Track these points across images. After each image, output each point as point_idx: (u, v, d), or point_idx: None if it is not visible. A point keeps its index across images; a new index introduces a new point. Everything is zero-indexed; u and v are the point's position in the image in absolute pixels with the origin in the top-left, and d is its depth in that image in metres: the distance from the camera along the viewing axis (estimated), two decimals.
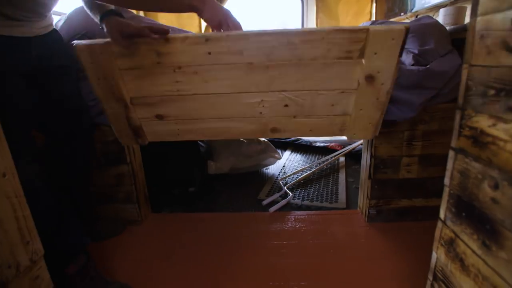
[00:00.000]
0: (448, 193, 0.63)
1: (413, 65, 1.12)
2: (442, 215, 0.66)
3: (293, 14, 3.21)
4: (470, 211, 0.56)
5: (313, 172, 1.97)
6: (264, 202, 1.60)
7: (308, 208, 1.56)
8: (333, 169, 2.05)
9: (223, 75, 1.06)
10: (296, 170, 2.02)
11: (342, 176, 1.91)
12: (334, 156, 2.18)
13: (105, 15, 0.94)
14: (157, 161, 1.69)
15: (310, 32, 1.00)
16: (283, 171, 2.07)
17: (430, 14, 1.97)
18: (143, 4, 0.96)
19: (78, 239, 1.00)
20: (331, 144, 2.41)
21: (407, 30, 0.93)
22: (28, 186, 0.69)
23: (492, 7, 0.50)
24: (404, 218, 1.37)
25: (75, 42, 1.01)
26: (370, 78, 1.02)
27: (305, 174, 1.92)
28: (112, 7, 0.99)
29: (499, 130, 0.49)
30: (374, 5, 2.85)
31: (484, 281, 0.53)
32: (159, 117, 1.17)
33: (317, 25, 2.93)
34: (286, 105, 1.12)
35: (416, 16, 2.11)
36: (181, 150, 1.80)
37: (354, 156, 2.20)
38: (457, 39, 1.26)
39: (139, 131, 1.21)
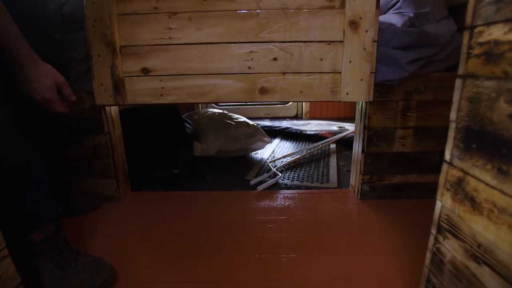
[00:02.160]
0: (455, 129, 0.57)
1: (408, 27, 1.07)
2: (447, 156, 0.59)
3: None
4: (482, 140, 0.50)
5: (303, 156, 1.90)
6: (252, 182, 1.52)
7: (298, 188, 1.49)
8: (324, 154, 1.98)
9: (215, 23, 1.08)
10: (286, 152, 1.95)
11: (333, 160, 1.85)
12: (326, 142, 2.12)
13: None
14: (140, 140, 1.59)
15: None
16: (272, 155, 2.00)
17: None
18: None
19: (46, 204, 0.89)
20: (322, 132, 2.36)
21: None
22: None
23: None
24: (398, 195, 1.31)
25: None
26: (353, 25, 1.06)
27: (295, 158, 1.85)
28: None
29: None
30: None
31: (501, 214, 0.46)
32: (145, 70, 1.13)
33: None
34: (274, 59, 1.11)
35: None
36: (166, 130, 1.71)
37: (345, 143, 2.15)
38: (453, 7, 1.23)
39: (120, 87, 1.15)
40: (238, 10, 1.07)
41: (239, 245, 1.02)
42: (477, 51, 0.51)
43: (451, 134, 0.58)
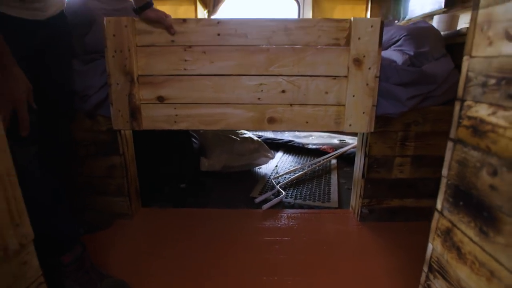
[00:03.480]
0: (445, 184, 0.64)
1: (408, 65, 1.15)
2: (439, 205, 0.67)
3: (290, 16, 3.26)
4: (467, 200, 0.57)
5: (305, 173, 1.97)
6: (257, 200, 1.59)
7: (300, 207, 1.56)
8: (325, 170, 2.06)
9: (228, 56, 1.16)
10: (289, 170, 2.02)
11: (334, 177, 1.93)
12: (327, 158, 2.20)
13: (151, 2, 1.11)
14: (149, 155, 1.67)
15: (304, 20, 1.20)
16: (275, 170, 2.07)
17: None
18: None
19: (74, 227, 0.97)
20: (324, 147, 2.43)
21: (382, 22, 1.09)
22: (23, 170, 0.67)
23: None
24: (395, 218, 1.38)
25: (106, 18, 1.13)
26: (357, 62, 1.14)
27: (297, 174, 1.93)
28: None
29: (498, 118, 0.50)
30: (369, 12, 2.92)
31: (481, 267, 0.54)
32: (160, 98, 1.21)
33: None
34: (283, 91, 1.19)
35: None
36: (174, 145, 1.78)
37: (346, 159, 2.23)
38: (450, 45, 1.30)
39: (137, 114, 1.22)
40: (249, 45, 1.15)
41: (247, 266, 1.09)
42: (466, 122, 0.58)
43: (442, 187, 0.66)
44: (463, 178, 0.59)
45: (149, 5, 1.10)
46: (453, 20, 1.47)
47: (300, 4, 3.05)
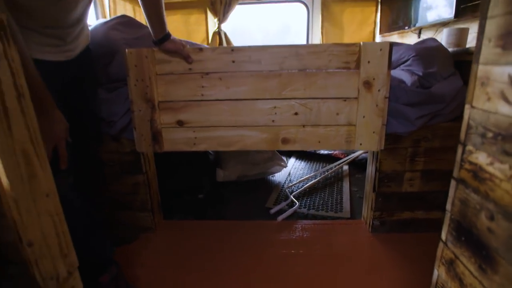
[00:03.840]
0: (449, 218, 0.70)
1: (417, 87, 1.19)
2: (443, 236, 0.72)
3: (298, 19, 3.28)
4: (469, 237, 0.63)
5: (317, 181, 2.03)
6: (272, 211, 1.67)
7: (314, 217, 1.63)
8: (337, 177, 2.11)
9: (243, 82, 1.22)
10: (302, 178, 2.08)
11: (346, 185, 1.98)
12: (338, 164, 2.25)
13: (169, 34, 1.18)
14: (168, 168, 1.76)
15: (314, 45, 1.23)
16: (288, 178, 2.14)
17: (433, 30, 2.03)
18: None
19: (109, 249, 1.07)
20: (335, 152, 2.48)
21: (391, 45, 1.13)
22: (63, 200, 0.75)
23: (492, 59, 0.56)
24: (406, 229, 1.43)
25: (127, 50, 1.21)
26: (367, 84, 1.18)
27: (310, 183, 1.99)
28: (168, 30, 1.17)
29: (495, 169, 0.55)
30: (378, 14, 2.91)
31: None
32: (180, 123, 1.28)
33: (322, 33, 2.98)
34: (295, 113, 1.25)
35: (419, 31, 2.17)
36: (191, 158, 1.87)
37: (357, 165, 2.27)
38: (459, 62, 1.33)
39: (158, 137, 1.30)
40: (263, 70, 1.21)
41: (265, 280, 1.17)
42: (467, 166, 0.64)
43: (446, 220, 0.71)
44: (464, 216, 0.64)
45: (168, 37, 1.17)
46: (463, 34, 1.49)
47: (309, 8, 3.07)
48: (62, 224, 0.76)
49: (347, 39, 3.01)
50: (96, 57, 1.24)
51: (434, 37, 2.02)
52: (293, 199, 1.77)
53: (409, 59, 1.26)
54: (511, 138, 0.52)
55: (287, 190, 1.91)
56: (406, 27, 2.18)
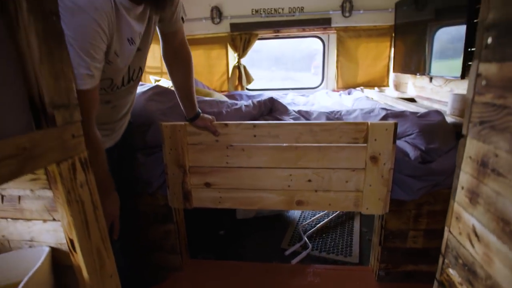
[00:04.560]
0: None
1: (420, 162, 1.32)
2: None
3: (317, 48, 3.41)
4: None
5: (330, 219, 2.18)
6: (287, 252, 1.83)
7: (325, 260, 1.78)
8: (349, 215, 2.25)
9: (263, 153, 1.39)
10: (315, 216, 2.24)
11: (356, 225, 2.12)
12: None
13: (199, 113, 1.37)
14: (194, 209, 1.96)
15: (327, 123, 1.36)
16: (302, 215, 2.29)
17: (442, 84, 2.13)
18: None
19: None
20: None
21: (396, 125, 1.26)
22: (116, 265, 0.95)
23: (462, 205, 0.71)
24: (411, 280, 1.56)
25: (163, 123, 1.42)
26: (374, 159, 1.32)
27: (322, 222, 2.14)
28: (198, 109, 1.36)
29: None
30: (392, 49, 3.01)
31: None
32: (207, 184, 1.46)
33: (337, 67, 3.11)
34: (309, 180, 1.39)
35: (431, 79, 2.27)
36: None
37: None
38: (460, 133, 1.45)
39: (189, 196, 1.49)
40: (281, 144, 1.37)
41: None
42: (445, 276, 0.78)
43: None
44: None
45: (198, 115, 1.35)
46: (468, 102, 1.59)
47: (325, 43, 3.20)
48: None
49: (361, 73, 3.12)
50: (136, 126, 1.45)
51: (444, 85, 2.13)
52: (306, 240, 1.93)
53: (413, 133, 1.38)
54: (475, 274, 0.66)
55: (300, 230, 2.07)
56: (418, 74, 2.29)
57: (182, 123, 1.40)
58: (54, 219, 0.93)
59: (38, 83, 0.68)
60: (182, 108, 1.34)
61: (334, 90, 3.15)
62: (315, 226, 2.10)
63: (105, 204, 1.06)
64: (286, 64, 4.45)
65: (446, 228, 0.78)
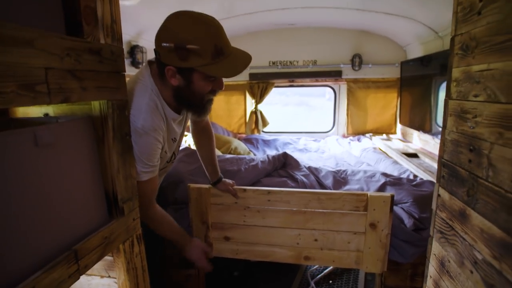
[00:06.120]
0: None
1: (413, 230, 1.50)
2: None
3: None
4: None
5: (336, 266, 2.33)
6: None
7: None
8: None
9: (276, 215, 1.60)
10: None
11: (362, 273, 2.26)
12: None
13: (221, 178, 1.60)
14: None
15: (332, 193, 1.57)
16: None
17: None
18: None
19: None
20: None
21: (393, 197, 1.45)
22: None
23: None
24: None
25: (190, 186, 1.65)
26: (373, 226, 1.50)
27: (329, 269, 2.29)
28: (220, 174, 1.59)
29: None
30: (399, 99, 3.22)
31: None
32: (226, 238, 1.68)
33: (347, 115, 3.35)
34: (315, 239, 1.58)
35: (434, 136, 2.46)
36: None
37: None
38: None
39: (210, 246, 1.70)
40: (291, 209, 1.58)
41: None
42: None
43: None
44: None
45: (220, 180, 1.60)
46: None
47: (336, 92, 3.46)
48: None
49: (370, 121, 3.34)
50: (167, 182, 1.71)
51: None
52: (314, 286, 2.09)
53: (408, 202, 1.57)
54: None
55: (309, 275, 2.23)
56: (420, 131, 2.48)
57: (207, 186, 1.65)
58: (109, 276, 1.17)
59: (113, 185, 0.95)
60: (206, 173, 1.59)
61: (344, 136, 3.36)
62: (322, 272, 2.26)
63: (188, 253, 1.42)
64: (301, 88, 4.71)
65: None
